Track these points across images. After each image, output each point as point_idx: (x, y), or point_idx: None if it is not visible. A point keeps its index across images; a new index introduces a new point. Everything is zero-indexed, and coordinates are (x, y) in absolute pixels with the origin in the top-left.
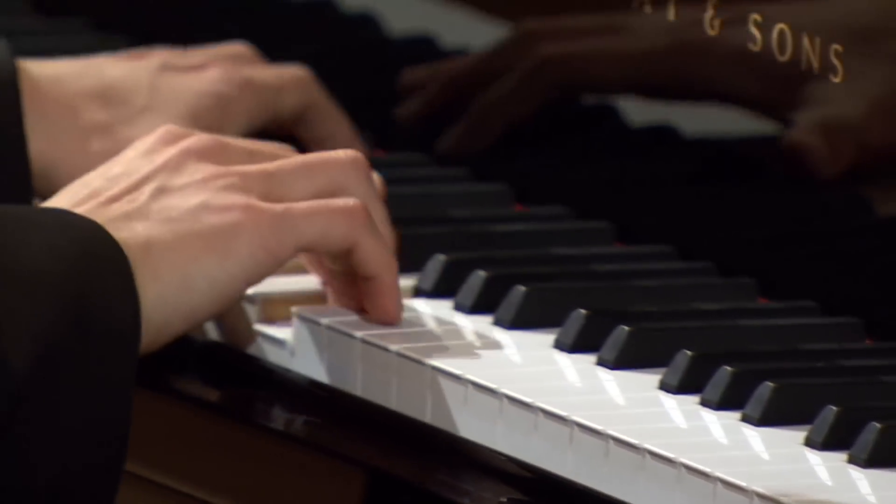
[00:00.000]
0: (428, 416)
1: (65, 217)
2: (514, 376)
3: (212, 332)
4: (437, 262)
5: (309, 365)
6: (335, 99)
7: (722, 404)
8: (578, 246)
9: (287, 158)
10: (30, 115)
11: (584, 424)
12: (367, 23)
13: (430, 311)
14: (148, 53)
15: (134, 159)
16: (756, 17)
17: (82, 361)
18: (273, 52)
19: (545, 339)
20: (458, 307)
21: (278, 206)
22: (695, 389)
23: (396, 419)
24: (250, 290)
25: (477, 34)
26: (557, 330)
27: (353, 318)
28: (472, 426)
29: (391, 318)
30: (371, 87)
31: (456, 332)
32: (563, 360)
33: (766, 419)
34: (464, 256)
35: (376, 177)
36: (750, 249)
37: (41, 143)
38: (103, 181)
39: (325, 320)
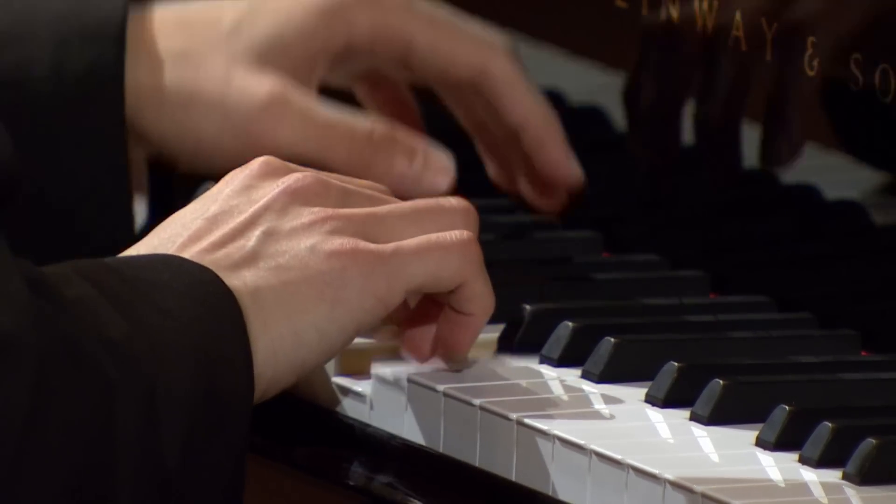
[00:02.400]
0: (513, 474)
1: (181, 266)
2: (603, 431)
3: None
4: (524, 312)
5: (389, 419)
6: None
7: (822, 462)
8: (670, 296)
9: (396, 203)
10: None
11: (676, 482)
12: None
13: (516, 363)
14: None
15: (232, 196)
16: None
17: (213, 435)
18: None
19: (636, 392)
20: (545, 360)
21: (387, 247)
22: (793, 446)
23: (481, 476)
24: None
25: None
26: (648, 383)
27: (435, 371)
28: (560, 483)
29: (460, 353)
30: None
31: (542, 386)
32: (655, 416)
33: (868, 478)
34: (551, 307)
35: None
36: (852, 300)
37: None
38: (203, 222)
39: (406, 374)
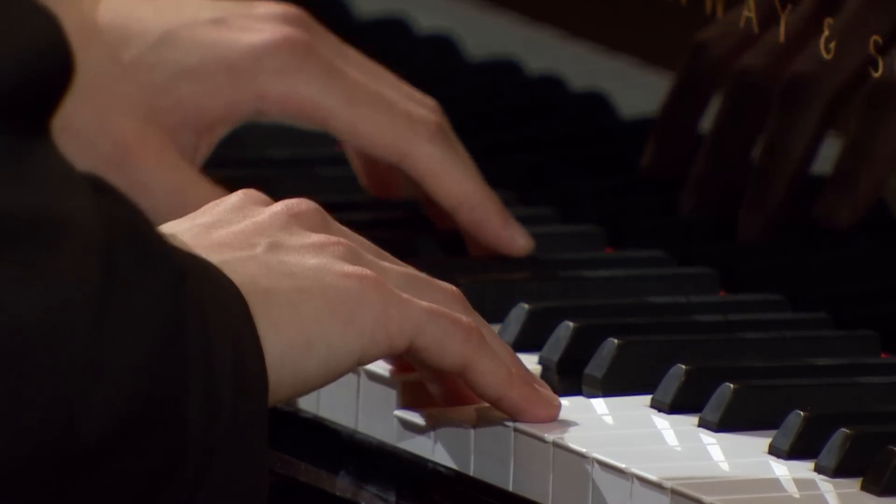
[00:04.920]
0: (511, 484)
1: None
2: (606, 439)
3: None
4: (521, 311)
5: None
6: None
7: (839, 471)
8: (677, 294)
9: (393, 259)
10: None
11: (684, 493)
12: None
13: None
14: None
15: (223, 213)
16: None
17: (234, 420)
18: None
19: (641, 397)
20: (543, 361)
21: (401, 293)
22: (809, 454)
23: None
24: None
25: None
26: (654, 388)
27: None
28: (558, 491)
29: (547, 418)
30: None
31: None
32: (661, 422)
33: (888, 488)
34: (550, 305)
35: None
36: (870, 299)
37: None
38: (199, 228)
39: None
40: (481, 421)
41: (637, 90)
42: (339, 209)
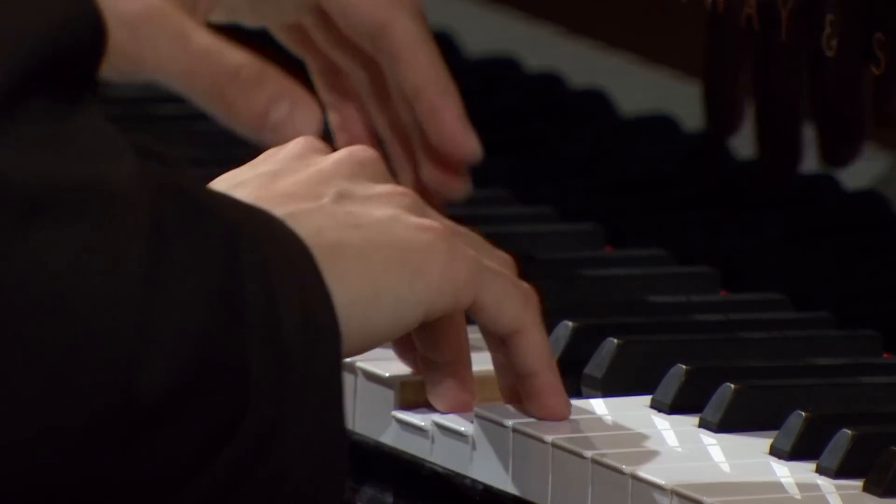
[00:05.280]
0: (512, 483)
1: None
2: (605, 439)
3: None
4: None
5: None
6: None
7: (842, 472)
8: (678, 293)
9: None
10: None
11: (685, 494)
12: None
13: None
14: None
15: (286, 161)
16: None
17: (306, 373)
18: None
19: (641, 397)
20: None
21: (470, 249)
22: (810, 455)
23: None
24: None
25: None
26: (654, 388)
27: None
28: (557, 492)
29: (560, 416)
30: None
31: None
32: (661, 422)
33: (891, 489)
34: (548, 305)
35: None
36: (873, 298)
37: None
38: (262, 178)
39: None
40: (480, 422)
41: (637, 88)
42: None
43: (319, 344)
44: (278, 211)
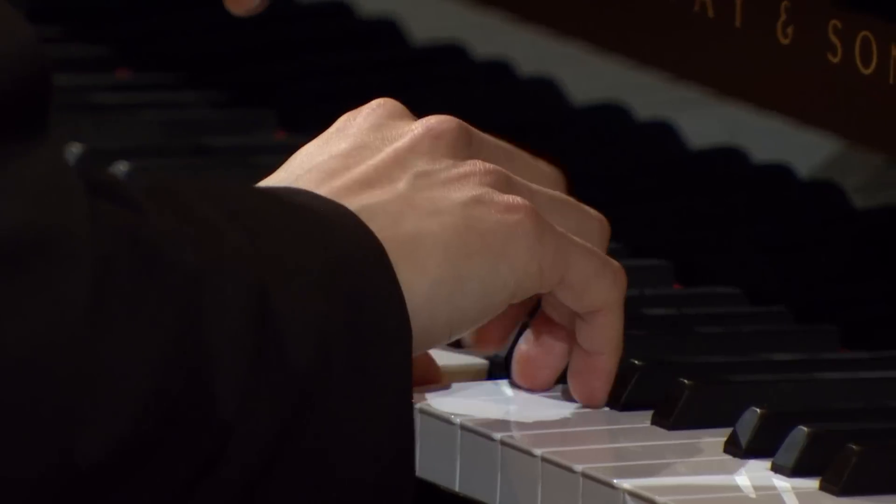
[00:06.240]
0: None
1: (314, 197)
2: (558, 437)
3: None
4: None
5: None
6: None
7: (798, 470)
8: (630, 286)
9: (538, 168)
10: None
11: (633, 492)
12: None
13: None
14: None
15: (361, 134)
16: None
17: (359, 361)
18: None
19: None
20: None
21: (557, 227)
22: (766, 453)
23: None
24: None
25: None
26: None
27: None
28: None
29: (596, 402)
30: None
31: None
32: (613, 420)
33: (848, 488)
34: None
35: None
36: (830, 293)
37: None
38: (336, 160)
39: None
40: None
41: (588, 76)
42: None
43: (374, 343)
44: (352, 204)
